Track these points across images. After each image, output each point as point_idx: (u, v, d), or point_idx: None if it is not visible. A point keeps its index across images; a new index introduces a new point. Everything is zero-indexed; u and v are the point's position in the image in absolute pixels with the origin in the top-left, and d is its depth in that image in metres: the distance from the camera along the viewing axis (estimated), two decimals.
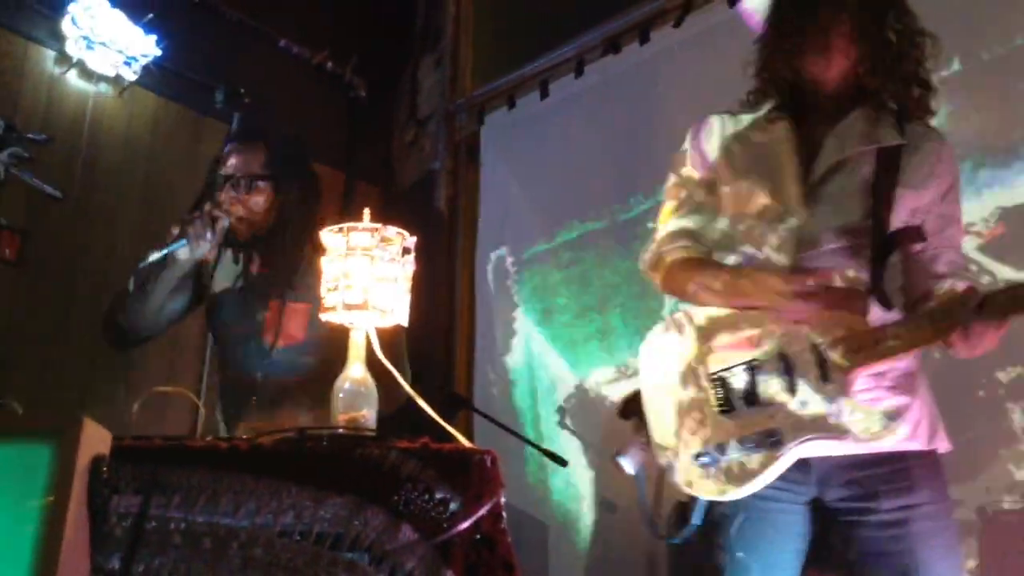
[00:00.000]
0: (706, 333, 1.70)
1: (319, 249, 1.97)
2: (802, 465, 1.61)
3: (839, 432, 1.52)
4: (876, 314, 1.60)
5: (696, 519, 1.66)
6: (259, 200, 2.49)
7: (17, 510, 1.21)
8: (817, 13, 1.66)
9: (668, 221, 1.83)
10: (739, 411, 1.61)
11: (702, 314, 1.73)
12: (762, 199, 1.69)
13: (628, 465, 1.73)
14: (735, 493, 1.60)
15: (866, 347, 1.52)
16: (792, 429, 1.56)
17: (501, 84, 4.42)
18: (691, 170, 1.83)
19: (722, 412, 1.63)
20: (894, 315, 1.62)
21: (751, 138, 1.77)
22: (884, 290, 1.62)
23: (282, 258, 2.46)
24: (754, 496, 1.61)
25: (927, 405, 1.66)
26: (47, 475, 1.21)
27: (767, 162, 1.72)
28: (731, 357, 1.65)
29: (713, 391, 1.65)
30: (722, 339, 1.67)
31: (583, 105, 4.02)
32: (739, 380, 1.63)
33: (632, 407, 1.77)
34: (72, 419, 1.19)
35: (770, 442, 1.57)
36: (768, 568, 1.62)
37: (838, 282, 1.56)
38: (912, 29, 1.68)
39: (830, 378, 1.54)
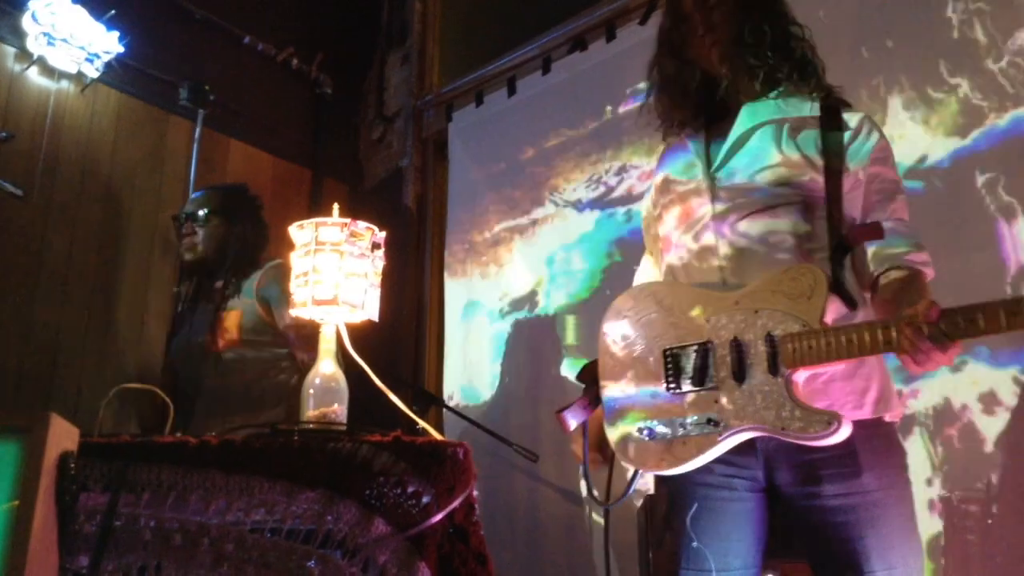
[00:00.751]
0: (667, 307, 1.71)
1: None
2: (749, 449, 1.62)
3: (778, 428, 1.52)
4: (840, 312, 1.62)
5: (631, 489, 1.74)
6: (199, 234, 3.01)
7: None
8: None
9: None
10: (685, 391, 1.63)
11: (667, 289, 1.75)
12: None
13: (571, 421, 1.76)
14: (672, 470, 1.62)
15: (817, 346, 1.52)
16: (733, 417, 1.57)
17: (469, 81, 4.43)
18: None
19: (669, 389, 1.65)
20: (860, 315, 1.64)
21: None
22: (846, 287, 1.63)
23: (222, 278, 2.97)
24: (707, 485, 1.63)
25: (878, 373, 1.66)
26: (14, 472, 1.19)
27: None
28: (687, 335, 1.66)
29: (664, 367, 1.67)
30: (681, 316, 1.69)
31: (550, 102, 4.03)
32: (690, 360, 1.64)
33: (588, 372, 1.80)
34: (39, 415, 1.17)
35: (710, 426, 1.58)
36: (723, 556, 1.62)
37: None
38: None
39: (779, 372, 1.55)
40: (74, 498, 1.21)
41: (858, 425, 1.56)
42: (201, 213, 3.00)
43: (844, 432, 1.49)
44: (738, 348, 1.60)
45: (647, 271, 2.02)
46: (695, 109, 1.84)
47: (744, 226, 1.69)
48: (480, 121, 4.33)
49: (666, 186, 1.85)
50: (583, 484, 1.75)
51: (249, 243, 3.02)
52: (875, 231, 1.67)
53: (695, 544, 1.61)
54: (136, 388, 2.08)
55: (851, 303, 1.62)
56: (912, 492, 1.63)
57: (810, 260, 1.64)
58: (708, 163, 1.77)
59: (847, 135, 1.71)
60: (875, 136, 1.73)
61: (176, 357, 3.00)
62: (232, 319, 2.88)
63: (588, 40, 3.93)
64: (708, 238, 1.72)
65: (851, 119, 1.73)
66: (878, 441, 1.61)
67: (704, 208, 1.74)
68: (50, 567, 1.21)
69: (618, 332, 1.77)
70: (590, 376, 1.79)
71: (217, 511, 1.30)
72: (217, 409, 2.80)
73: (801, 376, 1.56)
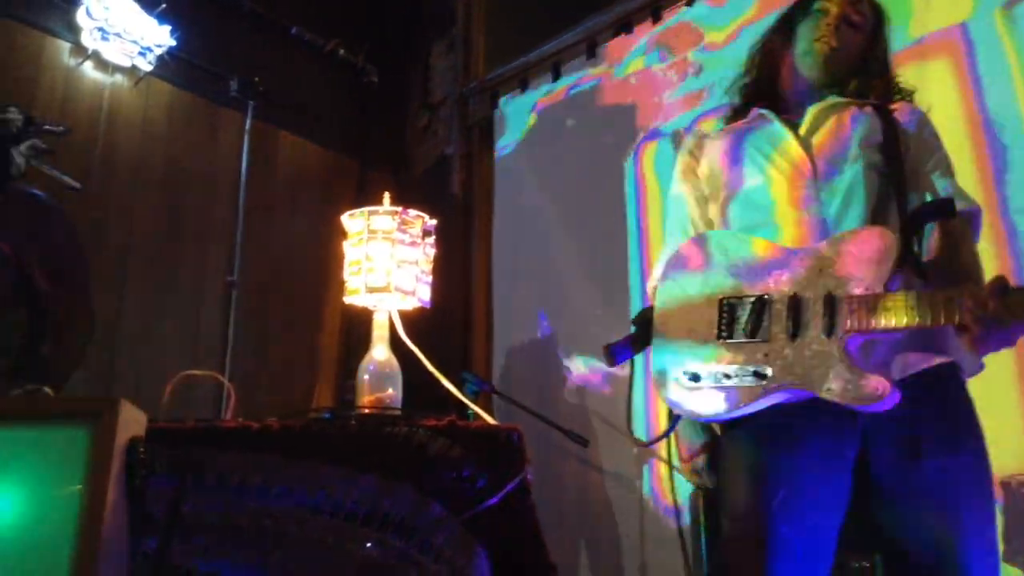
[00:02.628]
0: (730, 257, 1.71)
1: None
2: (848, 424, 1.58)
3: (823, 389, 1.51)
4: (908, 282, 1.60)
5: (672, 430, 1.76)
6: None
7: (56, 494, 1.23)
8: None
9: None
10: (737, 341, 1.62)
11: (732, 239, 1.74)
12: None
13: (617, 356, 1.77)
14: (709, 416, 1.63)
15: (876, 312, 1.50)
16: (780, 372, 1.56)
17: (513, 67, 4.43)
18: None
19: (720, 337, 1.64)
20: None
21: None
22: (916, 256, 1.61)
23: None
24: (796, 469, 1.60)
25: (950, 341, 1.63)
26: (85, 458, 1.23)
27: None
28: (746, 287, 1.66)
29: (719, 316, 1.66)
30: (743, 267, 1.68)
31: (595, 86, 4.02)
32: (746, 311, 1.63)
33: (643, 316, 1.81)
34: (109, 401, 1.21)
35: (755, 378, 1.57)
36: (813, 543, 1.58)
37: None
38: None
39: (834, 333, 1.53)
40: (143, 482, 1.25)
41: (944, 374, 1.57)
42: None
43: (892, 400, 1.48)
44: (796, 304, 1.59)
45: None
46: (773, 94, 1.90)
47: (822, 185, 1.71)
48: (525, 107, 4.34)
49: (742, 150, 1.85)
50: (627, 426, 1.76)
51: None
52: (946, 208, 1.66)
53: (783, 529, 1.56)
54: (198, 375, 2.13)
55: (921, 273, 1.61)
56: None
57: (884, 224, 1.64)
58: (793, 135, 1.79)
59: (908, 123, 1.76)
60: (930, 126, 1.79)
61: None
62: None
63: (634, 22, 3.91)
64: (784, 201, 1.73)
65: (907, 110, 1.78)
66: (971, 413, 1.61)
67: (785, 169, 1.76)
68: (121, 550, 1.25)
69: (678, 277, 1.76)
70: (643, 319, 1.79)
71: (279, 494, 1.33)
72: None
73: (857, 341, 1.54)
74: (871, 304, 1.51)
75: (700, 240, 1.79)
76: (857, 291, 1.54)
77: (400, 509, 1.37)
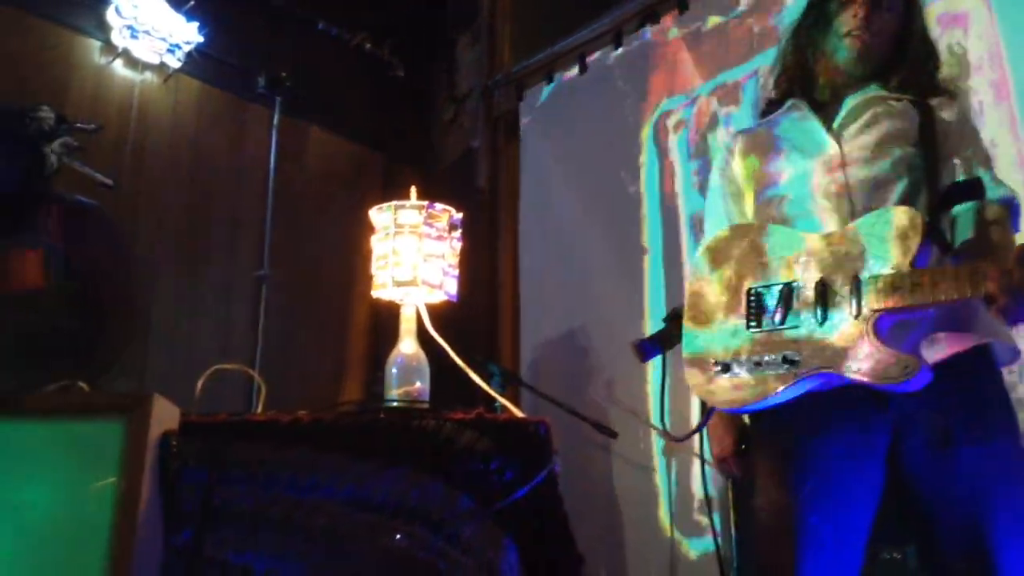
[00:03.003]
0: (758, 247, 1.71)
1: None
2: (880, 411, 1.58)
3: (853, 370, 1.50)
4: (936, 259, 1.59)
5: (704, 425, 1.80)
6: None
7: (91, 487, 1.25)
8: None
9: None
10: (766, 329, 1.62)
11: (761, 230, 1.74)
12: None
13: (646, 352, 1.79)
14: (742, 408, 1.63)
15: (903, 289, 1.49)
16: (811, 357, 1.55)
17: (539, 59, 4.41)
18: None
19: (749, 327, 1.64)
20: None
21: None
22: (942, 232, 1.60)
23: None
24: (828, 456, 1.59)
25: (983, 320, 1.63)
26: (119, 451, 1.25)
27: None
28: (773, 275, 1.65)
29: (746, 304, 1.66)
30: (771, 256, 1.68)
31: (620, 77, 4.00)
32: (774, 298, 1.63)
33: (674, 312, 1.81)
34: (143, 395, 1.23)
35: (787, 365, 1.57)
36: (841, 531, 1.58)
37: None
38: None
39: (862, 314, 1.52)
40: (176, 475, 1.27)
41: (978, 361, 1.57)
42: None
43: (924, 378, 1.47)
44: (823, 289, 1.58)
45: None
46: (810, 85, 1.88)
47: (854, 176, 1.70)
48: (552, 98, 4.33)
49: (776, 142, 1.84)
50: (656, 422, 1.78)
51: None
52: (975, 189, 1.65)
53: (813, 519, 1.57)
54: (229, 368, 2.15)
55: (948, 250, 1.60)
56: None
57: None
58: (826, 126, 1.78)
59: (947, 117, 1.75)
60: (970, 122, 1.81)
61: None
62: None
63: (661, 12, 3.89)
64: (814, 189, 1.73)
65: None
66: (1003, 402, 1.60)
67: (818, 162, 1.75)
68: (155, 542, 1.27)
69: (707, 269, 1.76)
70: (674, 315, 1.79)
71: (309, 486, 1.34)
72: None
73: (886, 321, 1.53)
74: (897, 282, 1.51)
75: (728, 232, 1.78)
76: (884, 271, 1.53)
77: (429, 502, 1.37)
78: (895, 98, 1.78)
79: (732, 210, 1.91)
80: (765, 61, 2.11)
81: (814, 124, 1.79)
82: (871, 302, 1.52)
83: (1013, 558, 1.50)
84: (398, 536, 1.35)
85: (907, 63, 1.80)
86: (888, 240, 1.55)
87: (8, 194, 2.67)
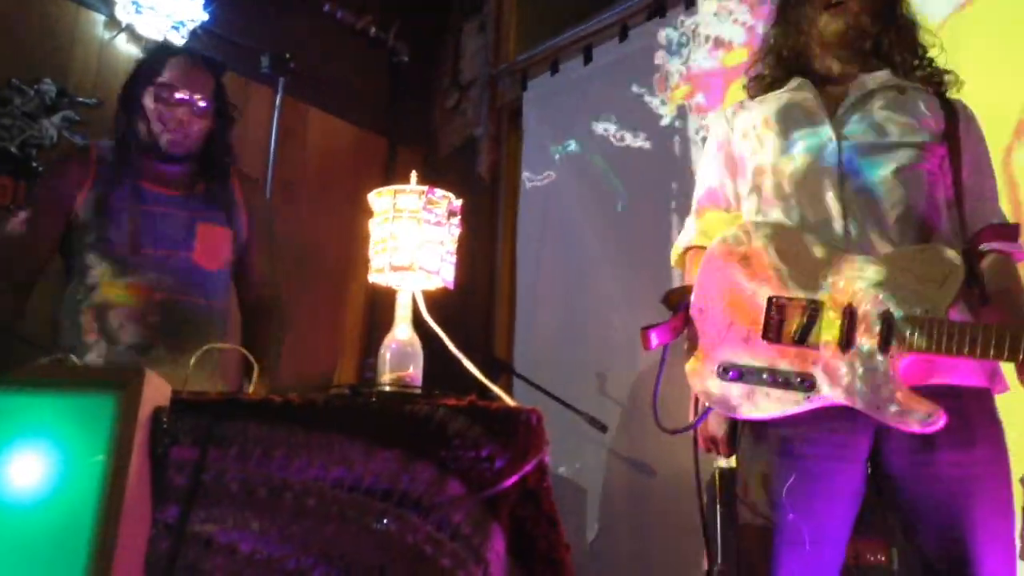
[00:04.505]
0: (782, 252, 1.66)
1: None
2: (858, 415, 1.57)
3: (872, 407, 1.49)
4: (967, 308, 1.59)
5: (700, 422, 1.74)
6: (199, 125, 2.51)
7: (81, 461, 1.25)
8: None
9: None
10: (784, 343, 1.59)
11: (785, 233, 1.70)
12: None
13: (653, 339, 1.73)
14: (744, 416, 1.61)
15: (937, 337, 1.47)
16: (828, 383, 1.54)
17: (544, 49, 4.40)
18: None
19: (766, 337, 1.61)
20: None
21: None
22: (980, 280, 1.58)
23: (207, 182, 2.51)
24: (808, 456, 1.59)
25: None
26: (110, 426, 1.25)
27: None
28: (798, 288, 1.62)
29: (766, 314, 1.62)
30: (795, 265, 1.64)
31: (626, 70, 3.99)
32: (796, 314, 1.60)
33: (677, 297, 1.77)
34: (135, 372, 1.23)
35: (801, 385, 1.55)
36: (819, 529, 1.58)
37: None
38: None
39: (888, 352, 1.50)
40: (166, 451, 1.27)
41: (970, 393, 1.54)
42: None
43: (939, 424, 1.46)
44: (851, 316, 1.56)
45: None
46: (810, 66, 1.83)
47: (871, 182, 1.66)
48: (555, 90, 4.32)
49: (775, 126, 1.80)
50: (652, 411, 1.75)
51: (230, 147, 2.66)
52: (1011, 234, 1.64)
53: (791, 516, 1.57)
54: (222, 348, 2.15)
55: (982, 299, 1.58)
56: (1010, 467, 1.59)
57: (940, 233, 1.61)
58: (827, 114, 1.75)
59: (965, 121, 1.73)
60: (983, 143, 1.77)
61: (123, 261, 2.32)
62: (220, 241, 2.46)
63: (668, 6, 3.88)
64: (828, 191, 1.69)
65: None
66: (988, 415, 1.59)
67: (828, 160, 1.71)
68: (143, 517, 1.27)
69: (722, 264, 1.71)
70: (678, 299, 1.76)
71: (300, 467, 1.34)
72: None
73: (912, 361, 1.51)
74: (931, 329, 1.48)
75: (749, 229, 1.73)
76: (918, 311, 1.51)
77: (419, 486, 1.37)
78: (905, 86, 1.75)
79: (727, 190, 1.87)
80: None
81: (815, 108, 1.76)
82: (901, 342, 1.50)
83: (993, 564, 1.50)
84: (387, 520, 1.35)
85: (895, 29, 1.78)
86: (926, 281, 1.52)
87: None
